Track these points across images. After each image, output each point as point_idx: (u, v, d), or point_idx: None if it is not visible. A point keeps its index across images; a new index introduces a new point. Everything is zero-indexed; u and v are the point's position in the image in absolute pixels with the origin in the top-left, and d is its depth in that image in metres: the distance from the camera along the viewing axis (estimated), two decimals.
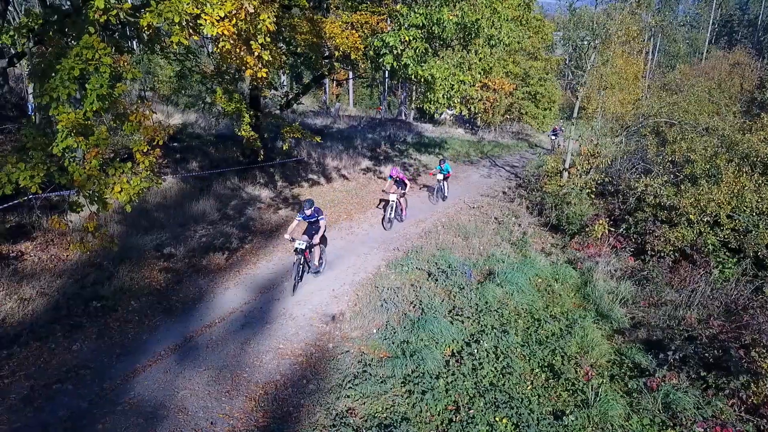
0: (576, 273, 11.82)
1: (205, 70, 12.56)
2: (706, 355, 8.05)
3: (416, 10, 12.03)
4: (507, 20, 14.11)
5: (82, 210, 7.49)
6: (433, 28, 12.13)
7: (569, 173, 16.82)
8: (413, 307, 9.70)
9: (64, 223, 7.20)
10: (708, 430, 6.57)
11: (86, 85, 5.65)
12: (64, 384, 7.02)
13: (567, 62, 38.09)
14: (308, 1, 11.95)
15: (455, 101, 14.71)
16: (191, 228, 12.57)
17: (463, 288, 10.45)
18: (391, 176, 14.47)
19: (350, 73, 40.05)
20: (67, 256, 10.36)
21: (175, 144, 17.61)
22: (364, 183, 19.26)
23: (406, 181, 14.50)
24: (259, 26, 6.57)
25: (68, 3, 9.36)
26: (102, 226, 7.46)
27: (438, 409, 6.92)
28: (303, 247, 9.80)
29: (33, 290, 8.94)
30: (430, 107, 15.64)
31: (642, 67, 28.83)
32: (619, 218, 13.99)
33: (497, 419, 6.71)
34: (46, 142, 6.41)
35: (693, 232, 11.70)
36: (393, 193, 14.14)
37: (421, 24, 12.03)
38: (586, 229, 13.51)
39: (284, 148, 13.18)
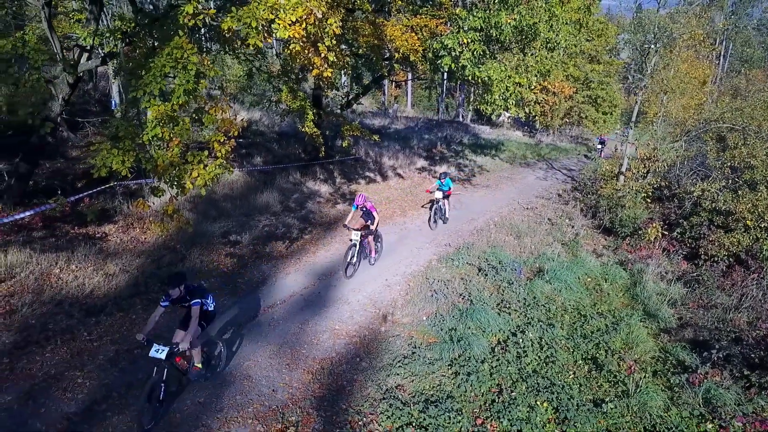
0: (626, 274, 11.89)
1: (272, 70, 13.38)
2: (752, 355, 8.08)
3: (475, 14, 12.42)
4: (565, 24, 14.29)
5: (163, 194, 8.32)
6: (491, 31, 12.47)
7: (625, 177, 16.74)
8: (462, 298, 10.10)
9: (148, 205, 8.05)
10: (747, 424, 6.67)
11: (175, 81, 6.41)
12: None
13: (629, 66, 37.31)
14: (371, 4, 12.53)
15: (511, 103, 14.99)
16: (255, 218, 13.42)
17: (512, 283, 10.76)
18: (356, 205, 10.88)
19: (409, 75, 40.65)
20: (145, 238, 11.36)
21: (241, 140, 18.64)
22: (418, 182, 19.75)
23: (375, 214, 11.13)
24: (326, 30, 7.20)
25: (153, 8, 10.32)
26: (179, 210, 8.27)
27: (482, 390, 7.32)
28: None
29: (116, 267, 9.91)
30: (486, 108, 16.00)
31: (710, 71, 27.97)
32: (674, 222, 13.88)
33: (538, 402, 7.05)
34: (136, 131, 7.24)
35: (749, 237, 11.54)
36: (354, 229, 10.81)
37: (479, 27, 12.41)
38: (639, 232, 13.49)
39: (344, 146, 13.84)
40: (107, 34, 8.34)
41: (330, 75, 7.98)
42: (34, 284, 8.90)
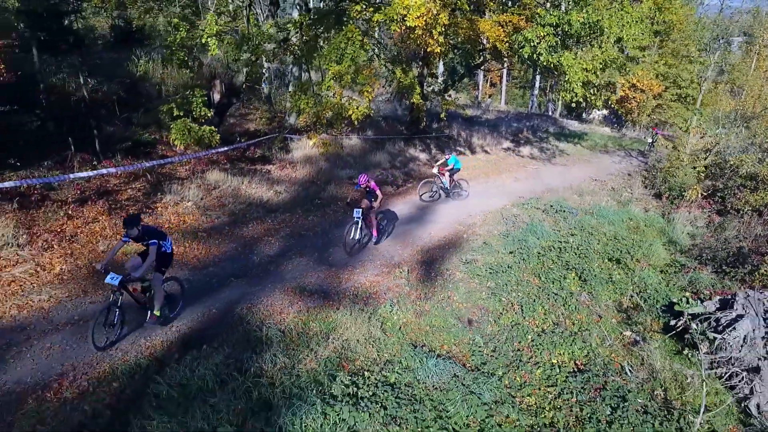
0: (663, 220, 14.75)
1: (388, 56, 17.41)
2: (730, 257, 11.01)
3: (551, 13, 15.73)
4: (635, 22, 17.14)
5: (322, 133, 12.48)
6: (564, 27, 15.72)
7: (688, 157, 19.19)
8: (525, 223, 13.54)
9: (316, 135, 12.22)
10: (713, 294, 9.68)
11: (345, 51, 10.48)
12: (307, 233, 12.04)
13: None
14: (469, 5, 16.15)
15: (591, 93, 17.94)
16: (370, 169, 17.46)
17: (567, 219, 14.04)
18: (359, 184, 11.17)
19: (504, 74, 43.80)
20: (295, 176, 15.71)
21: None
22: (502, 157, 23.10)
23: (378, 192, 11.19)
24: (438, 21, 11.00)
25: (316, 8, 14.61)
26: (332, 144, 12.41)
27: (530, 265, 10.81)
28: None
29: (280, 189, 14.30)
30: (565, 96, 19.09)
31: None
32: (715, 190, 16.38)
33: (568, 273, 10.45)
34: (309, 86, 11.40)
35: None
36: (357, 207, 10.99)
37: (554, 23, 15.69)
38: (683, 194, 16.17)
39: (441, 117, 17.58)
40: (288, 25, 12.63)
41: (439, 51, 11.79)
42: (231, 192, 13.42)
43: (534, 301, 9.40)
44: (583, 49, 17.67)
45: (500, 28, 15.60)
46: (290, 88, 18.78)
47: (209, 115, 12.51)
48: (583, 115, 43.61)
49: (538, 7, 16.53)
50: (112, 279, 6.99)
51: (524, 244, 11.88)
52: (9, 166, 11.96)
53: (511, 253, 11.43)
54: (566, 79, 17.13)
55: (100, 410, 5.98)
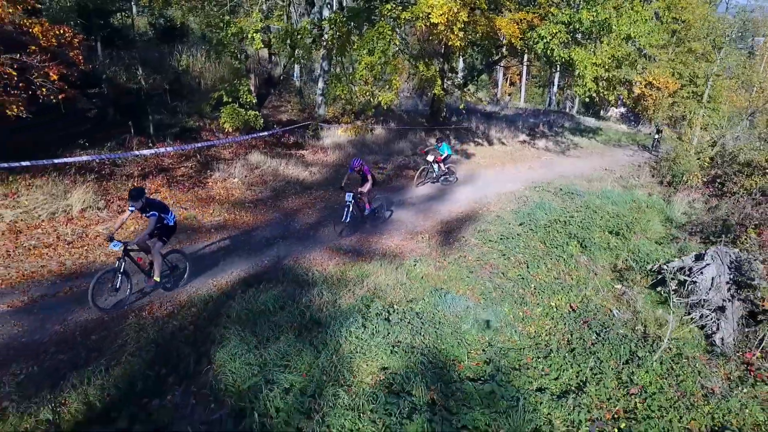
0: (664, 203, 16.00)
1: (412, 52, 18.87)
2: (716, 227, 12.32)
3: (563, 11, 17.08)
4: (643, 21, 18.39)
5: (350, 122, 14.02)
6: (575, 24, 17.05)
7: (695, 149, 20.36)
8: (536, 203, 14.92)
9: (349, 118, 13.75)
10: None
11: (377, 45, 12.00)
12: (339, 207, 13.59)
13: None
14: (487, 4, 17.55)
15: (602, 87, 19.22)
16: (394, 156, 18.98)
17: (574, 199, 15.39)
18: (351, 168, 11.89)
19: (524, 72, 44.98)
20: (326, 159, 17.28)
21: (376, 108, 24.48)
22: (518, 149, 24.43)
23: (369, 177, 11.82)
24: (458, 18, 12.47)
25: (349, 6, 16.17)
26: (362, 127, 13.93)
27: (538, 235, 12.21)
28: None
29: (314, 170, 15.88)
30: (578, 90, 20.39)
31: None
32: (715, 177, 17.59)
33: (571, 241, 11.82)
34: (344, 75, 12.95)
35: (764, 180, 15.18)
36: (348, 191, 11.56)
37: (566, 21, 17.03)
38: (685, 180, 17.40)
39: (461, 106, 19.00)
40: (324, 22, 14.20)
41: (459, 45, 13.25)
42: (271, 172, 15.04)
43: (538, 260, 10.81)
44: (594, 45, 18.95)
45: (515, 25, 16.95)
46: (319, 83, 20.37)
47: (254, 101, 14.11)
48: (601, 112, 44.59)
49: (552, 6, 17.83)
50: (116, 245, 7.63)
51: (533, 217, 13.29)
52: (79, 146, 13.69)
53: (520, 224, 12.84)
54: (577, 73, 18.46)
55: (185, 325, 7.55)
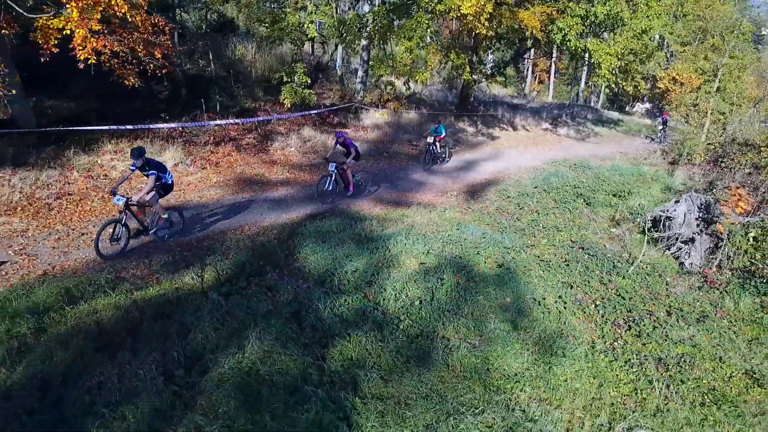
0: (668, 176, 17.92)
1: (442, 42, 21.12)
2: (704, 189, 14.31)
3: (580, 6, 19.11)
4: (657, 16, 20.28)
5: (388, 101, 16.32)
6: (590, 17, 19.06)
7: (705, 135, 22.11)
8: (551, 172, 17.01)
9: (390, 95, 16.05)
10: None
11: (415, 32, 14.27)
12: (379, 173, 15.92)
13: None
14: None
15: (619, 77, 21.16)
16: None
17: (585, 172, 17.44)
18: (337, 141, 12.46)
19: (552, 70, 46.65)
20: (367, 137, 19.63)
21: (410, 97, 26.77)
22: (540, 134, 26.47)
23: (353, 150, 12.42)
24: (485, 9, 14.68)
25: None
26: (401, 105, 16.22)
27: (550, 195, 14.35)
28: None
29: (357, 144, 18.19)
30: (596, 79, 22.37)
31: None
32: (718, 156, 19.38)
33: (578, 198, 13.93)
34: (386, 58, 15.25)
35: (760, 156, 16.95)
36: (332, 161, 12.21)
37: (582, 15, 19.05)
38: (690, 158, 19.25)
39: (488, 91, 21.12)
40: (368, 14, 16.53)
41: (485, 33, 15.45)
42: (321, 144, 17.43)
43: (548, 211, 12.97)
44: (611, 36, 20.92)
45: (536, 18, 19.05)
46: (359, 72, 22.76)
47: (308, 81, 16.53)
48: (626, 108, 45.99)
49: (570, 1, 19.86)
50: (118, 200, 8.26)
51: (547, 182, 15.44)
52: (161, 119, 16.30)
53: (535, 187, 15.01)
54: (593, 62, 20.44)
55: (270, 240, 9.96)
